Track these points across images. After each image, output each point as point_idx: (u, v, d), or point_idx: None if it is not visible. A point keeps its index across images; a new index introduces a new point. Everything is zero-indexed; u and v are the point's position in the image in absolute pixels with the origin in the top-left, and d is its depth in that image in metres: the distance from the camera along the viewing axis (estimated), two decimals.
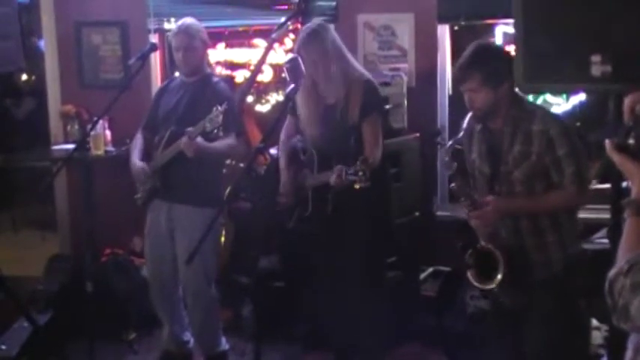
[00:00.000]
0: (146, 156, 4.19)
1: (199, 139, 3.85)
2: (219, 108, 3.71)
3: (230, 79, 4.87)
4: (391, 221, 4.15)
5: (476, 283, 3.06)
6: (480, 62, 2.96)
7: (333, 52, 3.76)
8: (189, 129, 3.86)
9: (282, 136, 4.08)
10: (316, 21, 3.96)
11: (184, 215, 4.05)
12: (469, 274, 3.07)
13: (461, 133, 3.11)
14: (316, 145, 3.85)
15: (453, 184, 3.13)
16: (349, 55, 3.87)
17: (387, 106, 4.43)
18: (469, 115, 3.08)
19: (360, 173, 3.29)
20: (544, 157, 2.94)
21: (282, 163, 4.03)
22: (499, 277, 2.96)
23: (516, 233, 3.05)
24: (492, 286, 3.00)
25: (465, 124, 3.09)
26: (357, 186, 3.33)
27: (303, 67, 3.94)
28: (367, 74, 3.88)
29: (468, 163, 3.20)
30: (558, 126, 2.95)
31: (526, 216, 3.03)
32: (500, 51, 3.22)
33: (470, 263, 3.05)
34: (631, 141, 1.60)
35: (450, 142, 3.13)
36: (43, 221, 6.51)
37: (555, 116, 3.12)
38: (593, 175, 3.06)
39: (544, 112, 3.09)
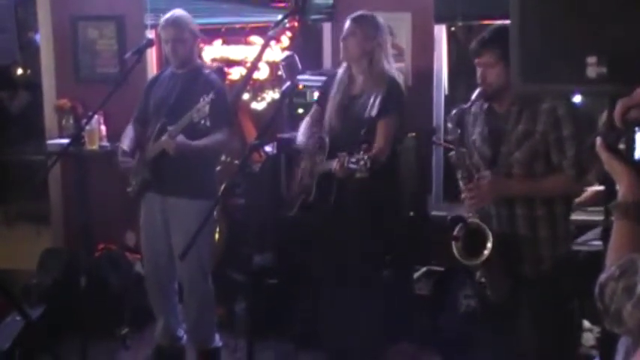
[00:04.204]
0: (137, 147, 4.17)
1: (181, 137, 3.84)
2: (206, 98, 3.72)
3: (221, 70, 4.86)
4: (394, 220, 4.10)
5: (460, 258, 3.04)
6: (500, 39, 2.87)
7: (379, 40, 3.76)
8: (170, 127, 3.86)
9: (307, 118, 4.09)
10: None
11: (178, 208, 4.04)
12: (454, 247, 3.04)
13: (468, 104, 3.11)
14: (332, 135, 3.84)
15: (452, 153, 3.13)
16: (390, 50, 3.87)
17: None
18: (478, 90, 3.06)
19: (362, 162, 3.27)
20: (548, 136, 2.95)
21: (301, 131, 4.03)
22: (486, 252, 2.94)
23: (511, 222, 3.06)
24: (477, 262, 2.98)
25: (473, 96, 3.08)
26: (357, 175, 3.32)
27: (299, 65, 3.94)
28: (394, 73, 3.85)
29: (467, 143, 3.20)
30: (567, 105, 2.95)
31: (521, 203, 3.02)
32: None
33: (458, 236, 3.04)
34: (621, 146, 1.61)
35: (456, 110, 3.13)
36: (37, 215, 6.49)
37: (567, 98, 3.08)
38: (595, 170, 3.04)
39: None
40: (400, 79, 3.91)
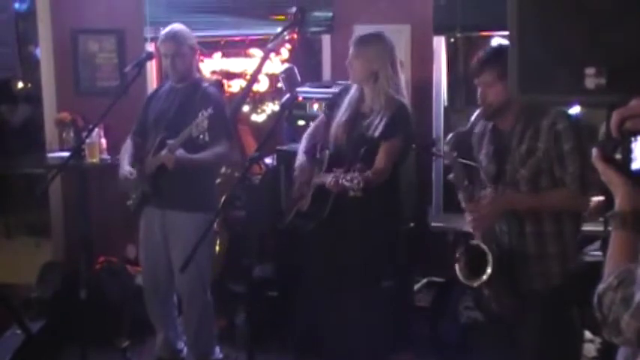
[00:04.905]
0: (137, 161, 4.18)
1: (180, 151, 3.86)
2: (205, 113, 3.73)
3: (219, 83, 4.87)
4: (393, 231, 4.09)
5: (462, 279, 3.03)
6: (500, 57, 2.85)
7: (384, 61, 3.74)
8: (170, 141, 3.87)
9: (312, 126, 4.11)
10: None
11: (177, 221, 4.05)
12: (457, 268, 3.04)
13: (467, 127, 3.10)
14: (336, 148, 3.85)
15: (450, 175, 3.12)
16: (400, 73, 3.82)
17: None
18: (478, 111, 3.05)
19: (355, 182, 3.29)
20: (550, 152, 2.93)
21: (301, 146, 4.02)
22: (484, 277, 2.93)
23: (520, 238, 3.04)
24: (478, 282, 2.97)
25: (472, 118, 3.07)
26: (351, 194, 3.33)
27: (298, 77, 3.94)
28: (405, 100, 3.80)
29: (476, 163, 3.19)
30: (567, 121, 2.93)
31: (531, 220, 3.01)
32: None
33: (460, 257, 3.03)
34: (618, 156, 1.61)
35: (453, 133, 3.12)
36: (37, 228, 6.49)
37: (567, 113, 3.06)
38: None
39: (557, 109, 3.00)
40: (406, 100, 3.85)
